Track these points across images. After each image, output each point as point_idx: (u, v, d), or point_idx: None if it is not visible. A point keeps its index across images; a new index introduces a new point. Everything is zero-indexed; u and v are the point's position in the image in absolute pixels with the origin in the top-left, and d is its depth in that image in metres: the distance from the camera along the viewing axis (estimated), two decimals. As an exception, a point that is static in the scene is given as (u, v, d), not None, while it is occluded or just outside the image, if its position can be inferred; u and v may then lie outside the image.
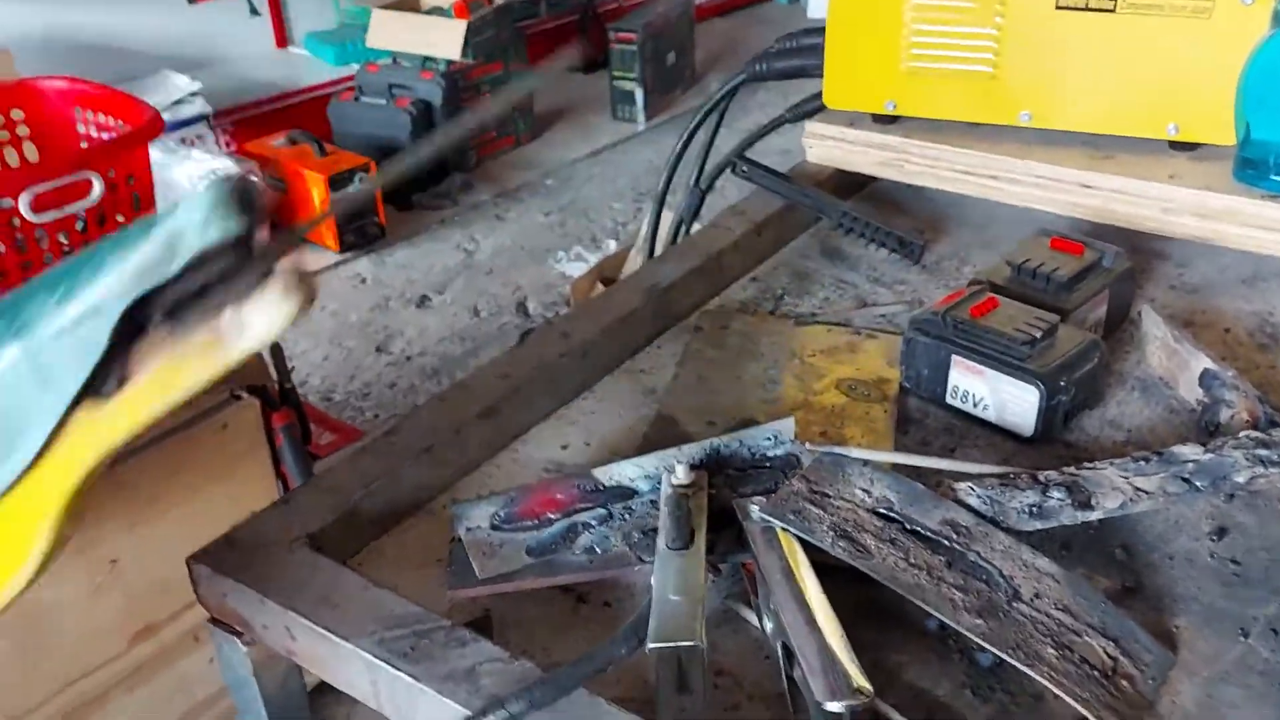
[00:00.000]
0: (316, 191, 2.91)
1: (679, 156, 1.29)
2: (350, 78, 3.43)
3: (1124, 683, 0.60)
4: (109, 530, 1.34)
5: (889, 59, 1.10)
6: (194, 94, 3.08)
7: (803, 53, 1.21)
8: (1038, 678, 0.58)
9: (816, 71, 1.16)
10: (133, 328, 0.51)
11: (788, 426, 0.74)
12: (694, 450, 0.72)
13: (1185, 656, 0.63)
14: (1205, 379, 0.82)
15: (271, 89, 3.47)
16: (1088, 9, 1.01)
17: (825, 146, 1.18)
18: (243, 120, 3.28)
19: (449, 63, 3.35)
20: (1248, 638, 0.65)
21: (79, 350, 0.52)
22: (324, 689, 1.55)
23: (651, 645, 0.56)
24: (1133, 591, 0.68)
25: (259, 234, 0.50)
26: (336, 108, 3.34)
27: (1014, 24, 1.04)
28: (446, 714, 0.58)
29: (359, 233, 3.01)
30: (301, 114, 3.38)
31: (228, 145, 3.17)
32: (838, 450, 0.72)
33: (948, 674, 0.63)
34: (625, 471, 0.73)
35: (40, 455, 0.54)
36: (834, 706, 0.53)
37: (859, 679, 0.54)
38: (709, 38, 4.49)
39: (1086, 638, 0.62)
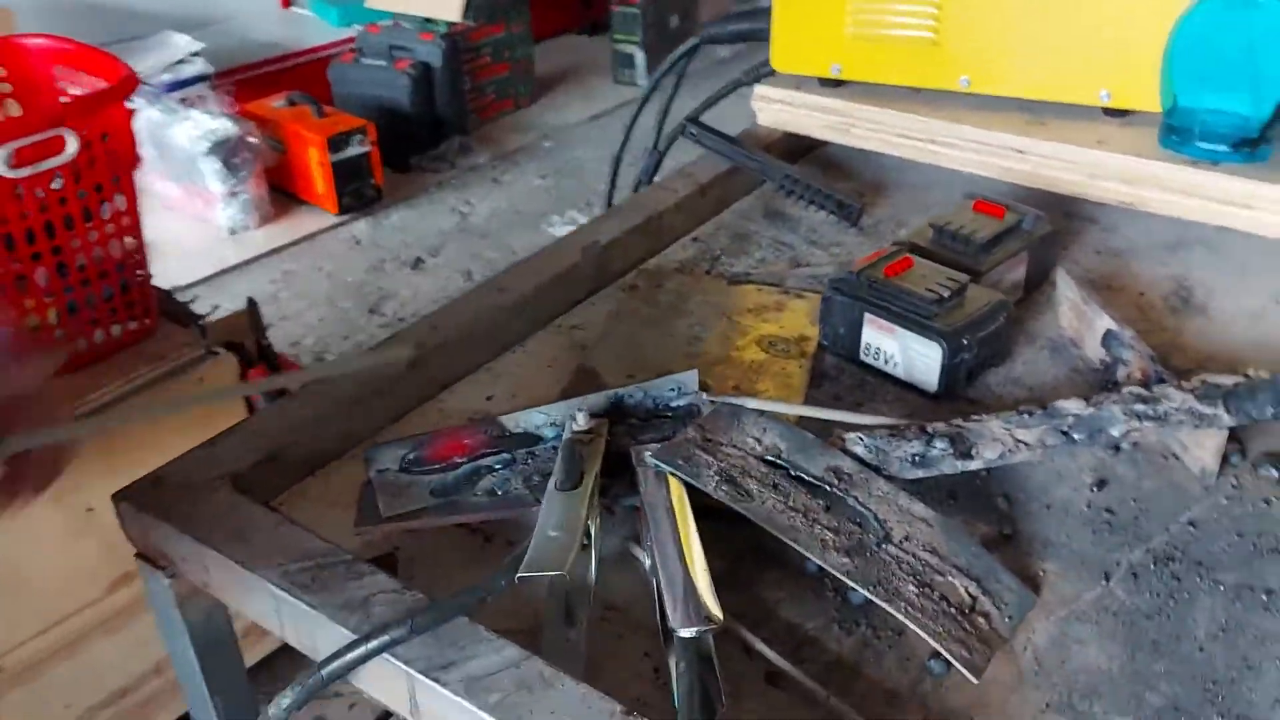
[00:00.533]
0: (314, 153, 2.94)
1: (634, 119, 1.31)
2: (352, 39, 3.45)
3: (980, 620, 0.63)
4: (87, 479, 1.38)
5: (834, 24, 1.13)
6: (195, 54, 3.10)
7: (756, 16, 1.24)
8: (893, 612, 0.62)
9: (768, 35, 1.18)
10: None
11: (691, 378, 0.77)
12: (597, 399, 0.76)
13: (1047, 597, 0.67)
14: (1107, 339, 0.85)
15: (274, 50, 3.50)
16: (1028, -25, 1.03)
17: (774, 110, 1.20)
18: (244, 81, 3.30)
19: (450, 24, 3.37)
20: (1109, 581, 0.68)
21: None
22: (274, 659, 1.59)
23: (520, 575, 0.60)
24: (1009, 538, 0.72)
25: None
26: (336, 69, 3.36)
27: (952, -10, 1.06)
28: (339, 638, 0.62)
29: (356, 195, 3.04)
30: (304, 75, 3.41)
31: (229, 106, 3.20)
32: (734, 400, 0.76)
33: (821, 611, 0.67)
34: (532, 419, 0.76)
35: None
36: (686, 632, 0.57)
37: (711, 608, 0.58)
38: (714, 1, 4.46)
39: (950, 577, 0.65)
